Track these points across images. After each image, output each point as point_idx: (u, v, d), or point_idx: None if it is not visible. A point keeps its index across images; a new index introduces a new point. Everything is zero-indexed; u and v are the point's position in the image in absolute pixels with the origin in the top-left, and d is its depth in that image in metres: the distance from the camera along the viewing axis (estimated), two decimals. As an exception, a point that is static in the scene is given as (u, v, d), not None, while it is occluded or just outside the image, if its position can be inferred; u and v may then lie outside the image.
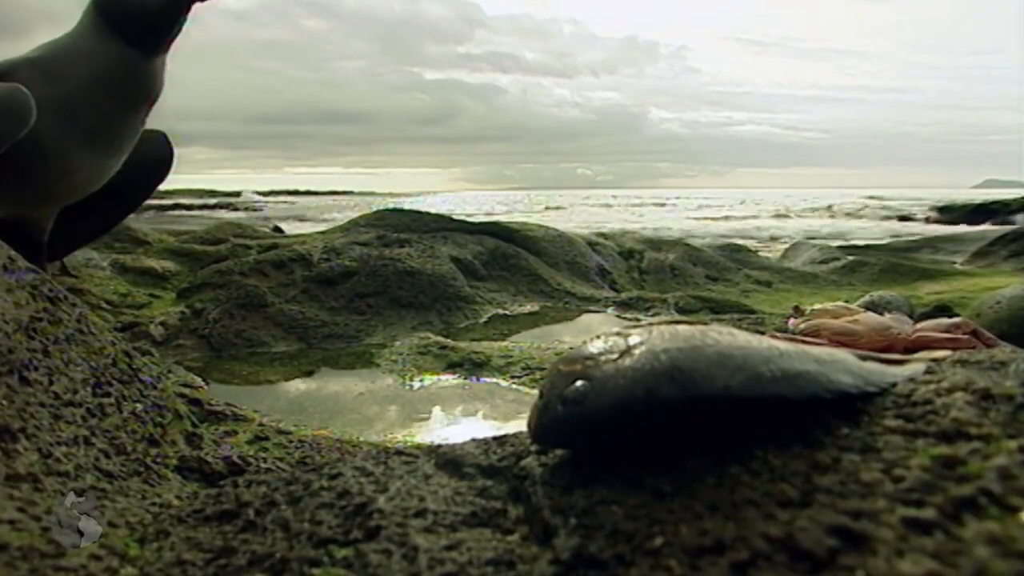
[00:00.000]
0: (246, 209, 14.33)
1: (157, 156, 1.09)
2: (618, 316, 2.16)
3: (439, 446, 0.46)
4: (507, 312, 2.15)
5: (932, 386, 0.38)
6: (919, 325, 0.96)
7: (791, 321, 1.04)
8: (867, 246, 4.82)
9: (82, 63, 0.85)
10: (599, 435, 0.37)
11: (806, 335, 0.96)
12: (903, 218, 10.50)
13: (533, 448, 0.43)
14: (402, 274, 2.07)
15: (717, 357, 0.35)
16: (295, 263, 2.09)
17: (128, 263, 2.12)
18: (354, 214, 3.22)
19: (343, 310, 1.89)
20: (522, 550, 0.33)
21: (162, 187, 1.17)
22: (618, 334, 0.40)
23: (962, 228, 6.70)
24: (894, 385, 0.39)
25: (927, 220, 9.45)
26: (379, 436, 1.10)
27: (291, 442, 0.94)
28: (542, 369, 1.38)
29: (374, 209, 3.22)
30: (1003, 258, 3.58)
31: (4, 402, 0.47)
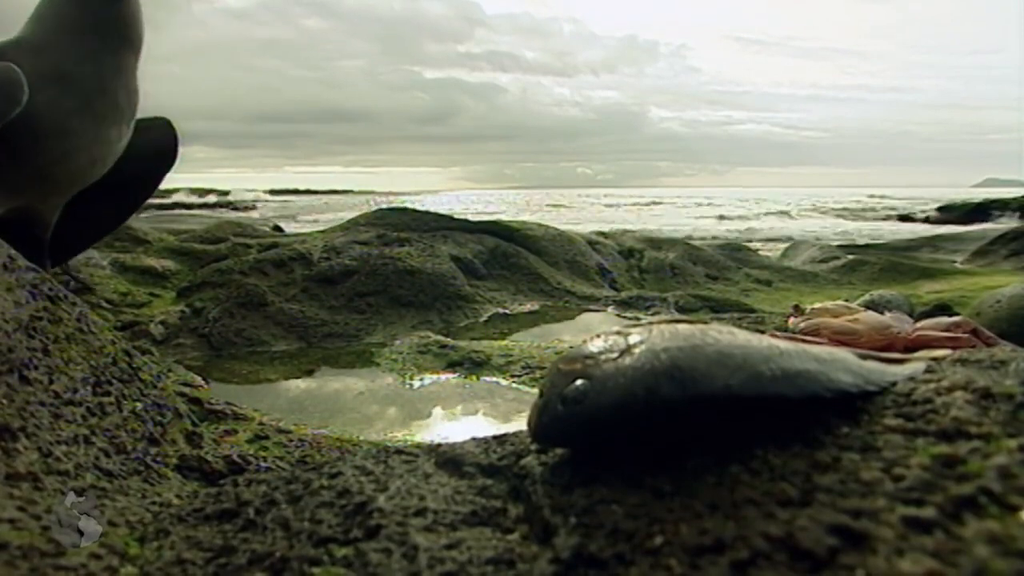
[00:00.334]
0: (234, 209, 14.24)
1: (161, 143, 1.07)
2: (618, 315, 2.16)
3: (439, 445, 0.46)
4: (507, 311, 2.15)
5: (932, 385, 0.38)
6: (919, 324, 0.96)
7: (791, 320, 1.04)
8: (867, 245, 4.82)
9: (61, 23, 0.84)
10: (599, 434, 0.37)
11: (806, 334, 0.96)
12: (903, 218, 10.50)
13: (533, 447, 0.43)
14: (402, 273, 2.07)
15: (717, 356, 0.35)
16: (295, 262, 2.09)
17: (128, 262, 2.12)
18: (351, 215, 3.22)
19: (343, 309, 1.89)
20: (522, 549, 0.33)
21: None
22: (618, 333, 0.40)
23: (962, 227, 6.71)
24: (894, 384, 0.39)
25: (927, 220, 9.45)
26: (379, 435, 1.10)
27: (291, 441, 0.94)
28: (542, 368, 1.38)
29: (374, 208, 3.22)
30: (1003, 257, 3.58)
31: (4, 401, 0.47)
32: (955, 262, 3.75)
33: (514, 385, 1.34)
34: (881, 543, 0.27)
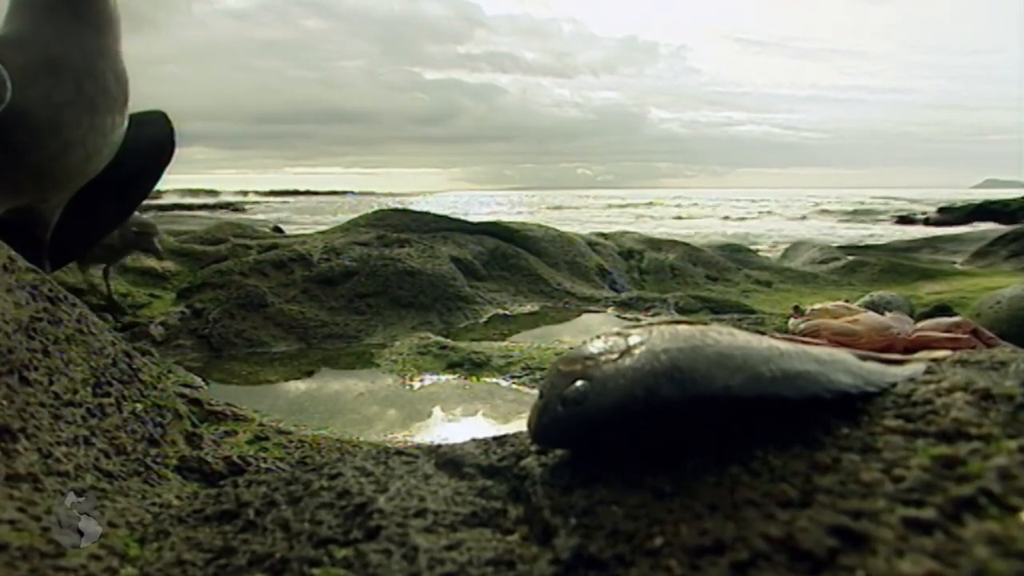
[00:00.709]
0: (234, 210, 14.22)
1: (157, 137, 1.07)
2: (618, 316, 2.16)
3: (439, 446, 0.46)
4: (507, 312, 2.15)
5: (932, 386, 0.38)
6: (919, 325, 0.96)
7: (791, 321, 1.04)
8: (867, 246, 4.82)
9: (37, 12, 0.83)
10: (599, 435, 0.37)
11: (806, 335, 0.96)
12: (903, 219, 10.50)
13: (533, 448, 0.43)
14: (402, 274, 2.07)
15: (717, 357, 0.35)
16: (295, 263, 2.09)
17: (128, 263, 2.12)
18: (349, 218, 3.22)
19: (343, 310, 1.89)
20: (522, 550, 0.33)
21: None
22: (618, 334, 0.40)
23: (962, 228, 6.70)
24: (894, 385, 0.39)
25: (927, 221, 9.44)
26: (379, 436, 1.10)
27: (291, 442, 0.94)
28: (542, 369, 1.38)
29: (374, 209, 3.22)
30: (1003, 258, 3.58)
31: (4, 402, 0.47)
32: (955, 263, 3.75)
33: (514, 386, 1.34)
34: (881, 544, 0.27)
